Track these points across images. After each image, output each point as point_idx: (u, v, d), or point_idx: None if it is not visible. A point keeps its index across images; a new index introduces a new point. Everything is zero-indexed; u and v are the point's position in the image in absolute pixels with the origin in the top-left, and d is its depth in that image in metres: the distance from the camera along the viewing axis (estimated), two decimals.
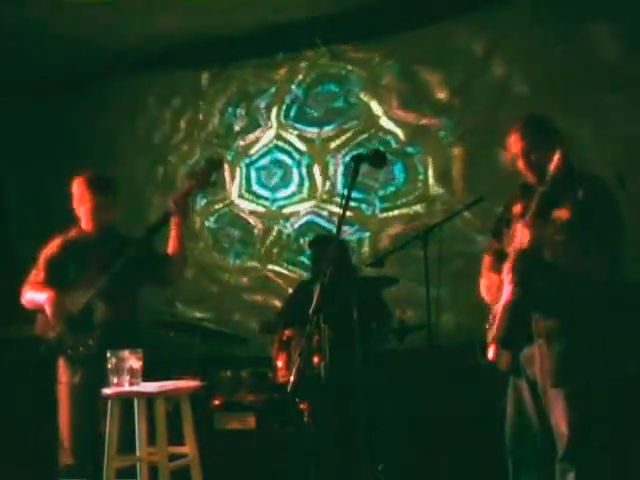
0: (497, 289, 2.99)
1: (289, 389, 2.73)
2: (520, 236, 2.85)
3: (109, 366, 3.33)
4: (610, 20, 4.84)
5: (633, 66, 4.75)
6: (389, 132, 5.56)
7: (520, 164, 3.00)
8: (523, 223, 2.86)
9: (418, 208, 5.41)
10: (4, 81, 6.17)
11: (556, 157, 2.79)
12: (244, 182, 6.01)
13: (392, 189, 5.51)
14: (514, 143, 3.00)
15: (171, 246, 3.73)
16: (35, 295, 3.72)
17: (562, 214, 2.85)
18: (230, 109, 6.09)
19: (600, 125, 4.81)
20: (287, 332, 4.36)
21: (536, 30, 5.03)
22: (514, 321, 2.88)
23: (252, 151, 6.00)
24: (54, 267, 3.75)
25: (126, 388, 3.33)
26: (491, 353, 2.95)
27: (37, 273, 3.80)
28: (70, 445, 3.63)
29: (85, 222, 3.79)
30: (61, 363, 3.69)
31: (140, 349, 3.36)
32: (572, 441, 2.79)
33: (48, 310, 3.62)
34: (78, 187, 3.77)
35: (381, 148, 5.12)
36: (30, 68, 6.16)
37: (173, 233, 3.71)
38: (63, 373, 3.68)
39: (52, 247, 3.81)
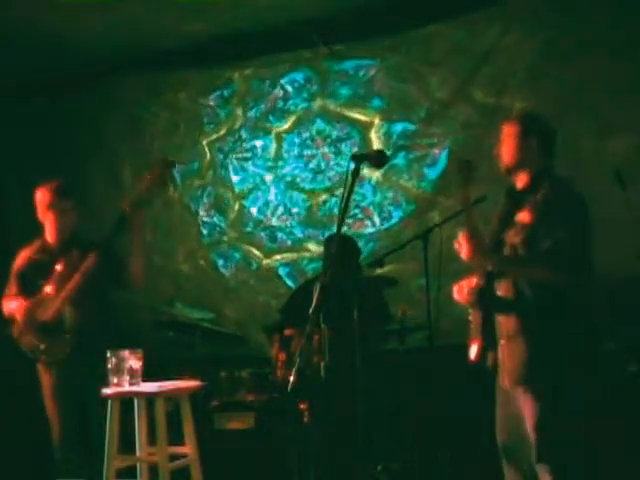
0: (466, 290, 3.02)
1: (289, 389, 2.73)
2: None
3: (109, 366, 3.34)
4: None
5: None
6: (388, 133, 5.57)
7: (503, 148, 2.99)
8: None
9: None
10: (4, 82, 6.17)
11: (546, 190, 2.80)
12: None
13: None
14: (507, 127, 3.00)
15: (130, 250, 3.80)
16: (8, 305, 3.84)
17: (523, 217, 2.85)
18: (230, 109, 6.09)
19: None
20: (287, 332, 4.36)
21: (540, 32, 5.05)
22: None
23: (248, 151, 6.02)
24: (23, 279, 3.85)
25: (126, 388, 3.33)
26: (473, 353, 2.95)
27: (10, 286, 3.89)
28: (59, 445, 3.67)
29: (50, 232, 3.85)
30: (40, 367, 3.75)
31: (137, 349, 3.38)
32: (540, 442, 2.76)
33: (19, 318, 3.74)
34: (41, 197, 3.84)
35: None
36: (31, 69, 6.15)
37: (131, 237, 3.78)
38: (42, 375, 3.75)
39: (20, 260, 3.90)
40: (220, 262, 6.07)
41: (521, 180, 2.97)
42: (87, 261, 3.67)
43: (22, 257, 3.89)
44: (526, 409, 2.79)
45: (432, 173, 5.43)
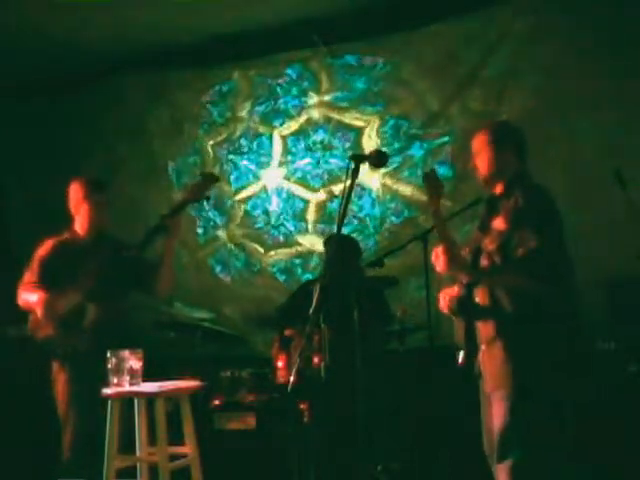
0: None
1: (289, 389, 2.73)
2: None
3: (109, 366, 3.33)
4: None
5: None
6: (386, 133, 5.58)
7: (478, 160, 3.00)
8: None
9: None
10: (4, 82, 6.17)
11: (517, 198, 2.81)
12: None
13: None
14: (479, 138, 3.01)
15: (161, 257, 3.81)
16: (28, 296, 3.79)
17: (498, 224, 2.86)
18: (230, 108, 6.09)
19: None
20: (287, 332, 4.36)
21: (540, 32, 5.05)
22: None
23: (248, 149, 6.02)
24: (46, 268, 3.81)
25: (126, 388, 3.33)
26: (460, 358, 2.97)
27: (30, 274, 3.85)
28: (68, 442, 3.65)
29: (81, 224, 3.86)
30: (55, 363, 3.74)
31: (137, 349, 3.37)
32: (503, 443, 2.77)
33: (39, 311, 3.69)
34: (77, 189, 3.86)
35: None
36: (31, 69, 6.15)
37: (165, 245, 3.80)
38: (57, 372, 3.73)
39: (45, 249, 3.86)
40: (219, 261, 6.07)
41: (498, 187, 2.98)
42: (114, 263, 3.72)
43: (47, 246, 3.86)
44: (498, 411, 2.80)
45: (443, 171, 5.41)
